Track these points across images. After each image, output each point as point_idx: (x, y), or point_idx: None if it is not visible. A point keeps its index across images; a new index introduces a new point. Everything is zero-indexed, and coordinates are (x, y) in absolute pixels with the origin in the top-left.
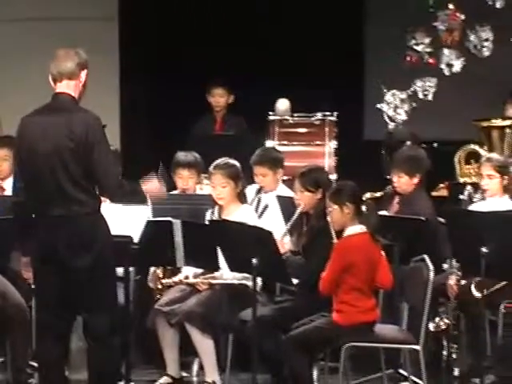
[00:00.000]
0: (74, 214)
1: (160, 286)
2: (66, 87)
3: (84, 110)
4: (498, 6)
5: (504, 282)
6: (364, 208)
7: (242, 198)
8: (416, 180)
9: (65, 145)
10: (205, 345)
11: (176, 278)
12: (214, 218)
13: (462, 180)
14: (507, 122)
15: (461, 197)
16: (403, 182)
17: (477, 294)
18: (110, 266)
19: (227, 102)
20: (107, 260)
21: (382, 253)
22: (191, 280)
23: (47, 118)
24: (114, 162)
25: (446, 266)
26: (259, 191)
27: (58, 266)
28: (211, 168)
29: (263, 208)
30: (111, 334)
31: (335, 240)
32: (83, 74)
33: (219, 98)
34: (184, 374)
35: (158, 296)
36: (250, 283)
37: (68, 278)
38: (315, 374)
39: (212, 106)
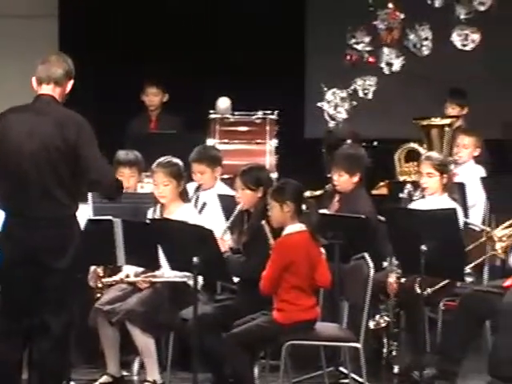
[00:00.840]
0: (58, 215)
1: (100, 285)
2: (52, 91)
3: (70, 111)
4: (436, 5)
5: (446, 280)
6: (304, 206)
7: (184, 196)
8: (356, 178)
9: (54, 145)
10: (146, 344)
11: (117, 277)
12: (156, 217)
13: (401, 178)
14: (447, 121)
15: (400, 195)
16: (343, 180)
17: (424, 292)
18: (82, 267)
19: (161, 101)
20: (80, 262)
21: (322, 251)
22: (132, 279)
23: (33, 117)
24: (106, 161)
25: (385, 263)
26: (197, 189)
27: (34, 268)
28: (153, 166)
29: (201, 206)
30: (69, 334)
31: (271, 240)
32: (69, 83)
33: (153, 97)
34: (125, 373)
35: (99, 295)
36: (190, 282)
37: (44, 279)
38: (256, 372)
39: (146, 105)
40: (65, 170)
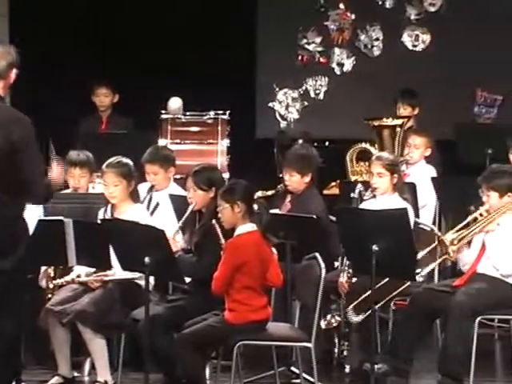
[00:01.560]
0: (2, 216)
1: (51, 286)
2: None
3: (13, 109)
4: (387, 5)
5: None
6: (255, 207)
7: (134, 196)
8: (307, 178)
9: None
10: (97, 344)
11: (68, 277)
12: (107, 217)
13: (353, 178)
14: (398, 121)
15: (352, 195)
16: (295, 180)
17: (355, 318)
18: (32, 268)
19: (112, 102)
20: (28, 263)
21: (274, 251)
22: (83, 278)
23: None
24: (41, 163)
25: (337, 263)
26: (151, 189)
27: None
28: (103, 167)
29: (154, 206)
30: (18, 335)
31: (222, 241)
32: (13, 73)
33: (104, 98)
34: (76, 374)
35: (50, 296)
36: (142, 282)
37: None
38: (208, 372)
39: (97, 106)
40: (8, 171)
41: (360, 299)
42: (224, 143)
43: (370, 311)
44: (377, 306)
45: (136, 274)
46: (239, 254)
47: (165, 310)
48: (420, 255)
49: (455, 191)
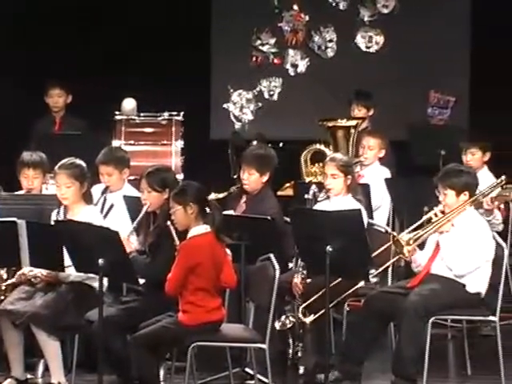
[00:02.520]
0: None
1: (4, 287)
2: None
3: None
4: (341, 7)
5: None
6: (208, 208)
7: (87, 198)
8: (266, 178)
9: None
10: (50, 346)
11: (19, 272)
12: (60, 219)
13: (307, 179)
14: (352, 123)
15: (306, 196)
16: (253, 179)
17: (307, 319)
18: None
19: (65, 102)
20: None
21: (228, 252)
22: (35, 271)
23: None
24: None
25: (291, 264)
26: (105, 191)
27: None
28: (56, 168)
29: (109, 207)
30: None
31: (177, 242)
32: None
33: (57, 99)
34: (29, 376)
35: (2, 297)
36: (96, 284)
37: None
38: (162, 373)
39: (50, 107)
40: None
41: (312, 299)
42: (178, 144)
43: (322, 311)
44: (330, 306)
45: (90, 275)
46: (193, 256)
47: (119, 312)
48: (374, 255)
49: (409, 192)
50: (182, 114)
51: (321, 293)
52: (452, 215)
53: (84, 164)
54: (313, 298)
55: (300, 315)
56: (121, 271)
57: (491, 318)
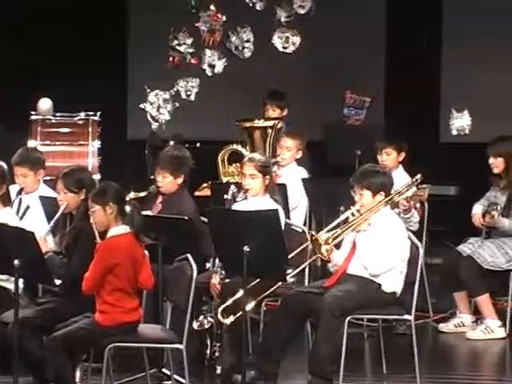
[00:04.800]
0: None
1: None
2: None
3: None
4: (257, 7)
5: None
6: (127, 208)
7: (5, 200)
8: (180, 180)
9: None
10: None
11: None
12: None
13: (224, 180)
14: (269, 123)
15: (225, 196)
16: (168, 181)
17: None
18: None
19: None
20: None
21: (146, 253)
22: None
23: None
24: None
25: (209, 264)
26: (20, 192)
27: None
28: None
29: (25, 209)
30: None
31: (98, 240)
32: None
33: None
34: None
35: None
36: (11, 285)
37: None
38: (78, 375)
39: None
40: None
41: (230, 301)
42: (95, 144)
43: (240, 313)
44: (248, 308)
45: (5, 277)
46: (111, 256)
47: (35, 313)
48: (291, 255)
49: (325, 192)
50: (98, 113)
51: (239, 295)
52: (368, 214)
53: (5, 166)
54: (231, 300)
55: (220, 317)
56: (36, 272)
57: (406, 317)
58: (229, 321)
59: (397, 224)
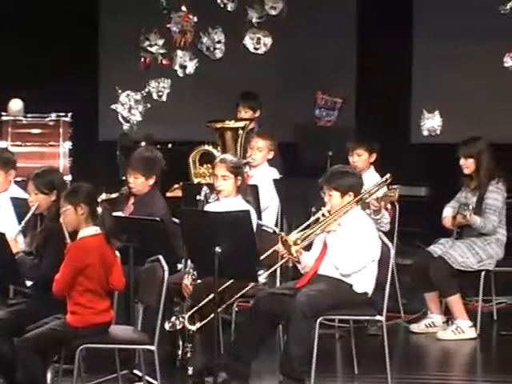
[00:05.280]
0: None
1: None
2: None
3: None
4: (229, 8)
5: (248, 287)
6: (99, 209)
7: None
8: (152, 181)
9: None
10: None
11: None
12: None
13: (196, 180)
14: (240, 124)
15: (198, 197)
16: (139, 182)
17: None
18: None
19: None
20: None
21: (117, 254)
22: None
23: None
24: None
25: (180, 265)
26: None
27: None
28: None
29: None
30: None
31: (69, 241)
32: None
33: None
34: None
35: None
36: None
37: None
38: (49, 376)
39: None
40: None
41: (197, 307)
42: (66, 145)
43: (209, 318)
44: (219, 310)
45: None
46: (82, 257)
47: (5, 315)
48: (263, 256)
49: (297, 193)
50: (69, 114)
51: (209, 298)
52: (338, 215)
53: None
54: (198, 306)
55: (187, 323)
56: (7, 273)
57: (378, 317)
58: (195, 327)
59: (367, 224)
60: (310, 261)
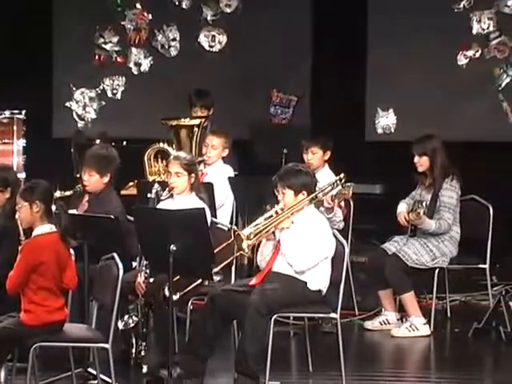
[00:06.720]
0: None
1: None
2: None
3: None
4: (183, 6)
5: (199, 281)
6: (54, 207)
7: None
8: (106, 179)
9: None
10: None
11: None
12: None
13: (151, 178)
14: (196, 121)
15: (149, 195)
16: (94, 180)
17: (174, 297)
18: None
19: None
20: None
21: (72, 252)
22: None
23: None
24: None
25: (135, 263)
26: None
27: None
28: None
29: None
30: None
31: (23, 238)
32: None
33: None
34: None
35: None
36: None
37: None
38: (2, 375)
39: None
40: None
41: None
42: (20, 143)
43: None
44: (174, 306)
45: None
46: (36, 255)
47: None
48: (216, 250)
49: (252, 191)
50: (23, 112)
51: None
52: (291, 212)
53: None
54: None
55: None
56: None
57: (332, 315)
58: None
59: (320, 221)
60: (270, 253)
